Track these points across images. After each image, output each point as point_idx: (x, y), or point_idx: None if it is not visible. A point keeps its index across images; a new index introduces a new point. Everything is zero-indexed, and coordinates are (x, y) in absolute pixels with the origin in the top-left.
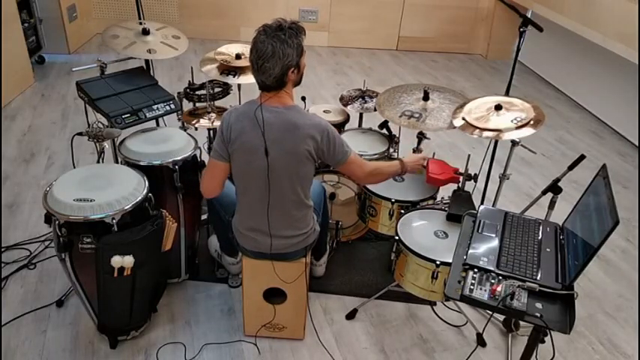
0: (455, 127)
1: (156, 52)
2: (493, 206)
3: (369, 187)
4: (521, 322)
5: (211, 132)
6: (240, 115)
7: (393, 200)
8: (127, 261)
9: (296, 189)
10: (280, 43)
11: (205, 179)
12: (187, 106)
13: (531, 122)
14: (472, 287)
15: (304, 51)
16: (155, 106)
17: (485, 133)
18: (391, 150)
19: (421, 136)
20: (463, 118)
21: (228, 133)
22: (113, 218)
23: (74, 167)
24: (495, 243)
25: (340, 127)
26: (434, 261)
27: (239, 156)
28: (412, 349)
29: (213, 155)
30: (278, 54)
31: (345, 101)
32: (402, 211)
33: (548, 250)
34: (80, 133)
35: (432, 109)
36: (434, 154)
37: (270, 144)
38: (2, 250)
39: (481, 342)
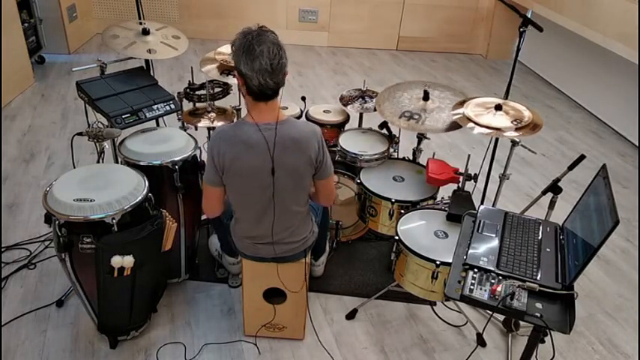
0: (455, 129)
1: (156, 52)
2: (493, 206)
3: (369, 187)
4: (521, 322)
5: (211, 132)
6: (231, 140)
7: (393, 200)
8: (127, 261)
9: (300, 201)
10: (276, 41)
11: (205, 203)
12: (187, 106)
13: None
14: (472, 287)
15: None
16: (155, 106)
17: (482, 129)
18: (391, 150)
19: (421, 136)
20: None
21: (221, 161)
22: (113, 218)
23: (74, 167)
24: (495, 243)
25: (340, 127)
26: (434, 261)
27: (236, 180)
28: (412, 349)
29: (207, 181)
30: (283, 49)
31: (345, 101)
32: (402, 211)
33: (548, 250)
34: (80, 133)
35: (432, 109)
36: (434, 154)
37: (274, 164)
38: (2, 250)
39: (481, 342)
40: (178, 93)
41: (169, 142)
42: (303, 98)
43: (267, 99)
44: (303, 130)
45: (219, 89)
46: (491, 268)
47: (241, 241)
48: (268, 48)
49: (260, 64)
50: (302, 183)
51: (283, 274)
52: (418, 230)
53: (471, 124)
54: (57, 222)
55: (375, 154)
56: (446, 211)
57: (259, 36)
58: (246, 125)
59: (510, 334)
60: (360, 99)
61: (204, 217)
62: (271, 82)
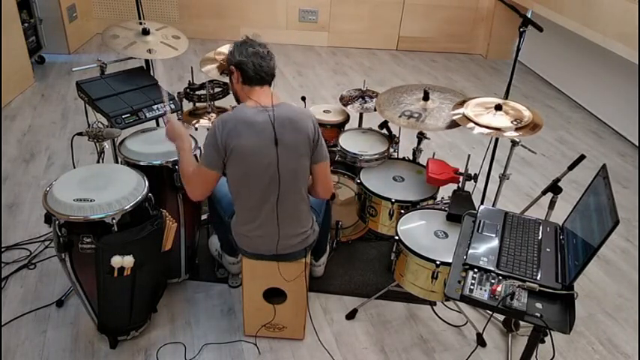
0: (455, 127)
1: (156, 52)
2: (493, 206)
3: (369, 187)
4: (521, 322)
5: None
6: (233, 121)
7: (393, 200)
8: (127, 261)
9: (301, 184)
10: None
11: (197, 186)
12: (187, 106)
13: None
14: (472, 287)
15: None
16: (155, 106)
17: (482, 129)
18: (391, 150)
19: (421, 136)
20: (462, 114)
21: (224, 141)
22: (113, 218)
23: (74, 167)
24: (495, 243)
25: (340, 127)
26: (434, 261)
27: (239, 163)
28: (412, 349)
29: (205, 163)
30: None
31: (345, 101)
32: (402, 211)
33: (548, 250)
34: (80, 133)
35: (432, 109)
36: (434, 154)
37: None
38: (2, 250)
39: (481, 342)
40: (178, 93)
41: (169, 142)
42: (303, 98)
43: (262, 83)
44: (298, 111)
45: (219, 89)
46: (491, 268)
47: (241, 237)
48: (260, 43)
49: (253, 48)
50: (301, 162)
51: (283, 273)
52: (418, 230)
53: (470, 124)
54: (57, 222)
55: (375, 154)
56: (446, 211)
57: (251, 39)
58: (246, 108)
59: (510, 334)
60: (360, 99)
61: (204, 217)
62: (265, 65)
